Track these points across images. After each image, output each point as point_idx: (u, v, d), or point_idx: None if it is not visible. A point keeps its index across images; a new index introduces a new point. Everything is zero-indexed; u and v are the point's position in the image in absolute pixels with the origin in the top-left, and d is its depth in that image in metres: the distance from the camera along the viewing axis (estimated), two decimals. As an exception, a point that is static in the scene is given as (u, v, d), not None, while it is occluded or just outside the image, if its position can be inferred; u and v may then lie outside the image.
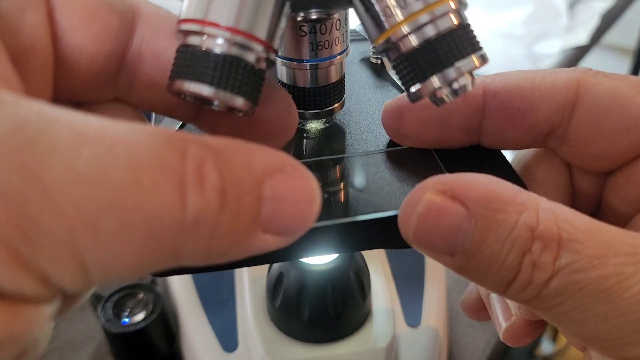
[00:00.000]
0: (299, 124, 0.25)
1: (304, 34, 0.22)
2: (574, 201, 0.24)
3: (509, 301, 0.27)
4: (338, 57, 0.23)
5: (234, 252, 0.14)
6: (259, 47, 0.17)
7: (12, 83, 0.15)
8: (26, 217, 0.11)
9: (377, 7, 0.18)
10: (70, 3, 0.17)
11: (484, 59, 0.18)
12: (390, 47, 0.18)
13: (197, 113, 0.21)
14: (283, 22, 0.18)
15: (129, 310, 0.39)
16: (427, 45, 0.17)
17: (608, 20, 0.84)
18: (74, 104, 0.19)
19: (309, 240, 0.19)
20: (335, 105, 0.25)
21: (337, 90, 0.24)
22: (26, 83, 0.16)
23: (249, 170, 0.14)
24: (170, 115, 0.21)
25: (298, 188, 0.15)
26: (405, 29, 0.17)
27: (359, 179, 0.22)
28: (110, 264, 0.13)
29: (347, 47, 0.24)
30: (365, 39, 0.32)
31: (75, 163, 0.12)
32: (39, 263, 0.12)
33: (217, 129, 0.21)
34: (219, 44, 0.17)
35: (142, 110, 0.21)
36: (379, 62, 0.30)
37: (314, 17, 0.21)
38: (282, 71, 0.24)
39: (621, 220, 0.22)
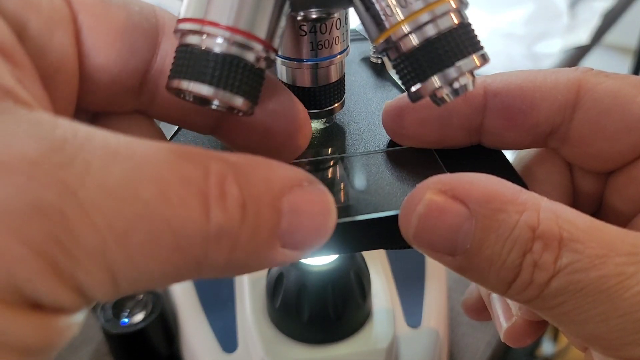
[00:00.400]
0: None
1: (304, 33, 0.22)
2: (575, 201, 0.24)
3: (509, 301, 0.27)
4: (338, 56, 0.23)
5: (253, 264, 0.15)
6: (258, 47, 0.17)
7: (44, 103, 0.15)
8: (64, 231, 0.12)
9: (377, 7, 0.18)
10: (96, 24, 0.18)
11: (484, 59, 0.18)
12: (390, 47, 0.18)
13: (215, 125, 0.21)
14: (283, 22, 0.18)
15: (128, 310, 0.39)
16: (428, 44, 0.17)
17: (609, 20, 0.84)
18: (92, 114, 0.20)
19: None
20: (336, 105, 0.24)
21: (337, 90, 0.24)
22: (52, 100, 0.16)
23: (268, 185, 0.15)
24: (189, 128, 0.22)
25: (315, 202, 0.15)
26: (405, 28, 0.17)
27: (359, 178, 0.22)
28: (138, 275, 0.13)
29: (348, 47, 0.24)
30: (365, 39, 0.32)
31: (107, 179, 0.12)
32: (76, 275, 0.12)
33: (235, 139, 0.21)
34: (218, 44, 0.17)
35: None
36: (380, 61, 0.30)
37: (314, 16, 0.21)
38: (282, 71, 0.24)
39: (622, 220, 0.22)
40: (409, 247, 0.19)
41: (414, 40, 0.17)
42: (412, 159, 0.23)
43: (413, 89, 0.18)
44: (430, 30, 0.17)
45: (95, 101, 0.19)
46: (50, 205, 0.12)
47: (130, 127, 0.20)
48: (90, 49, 0.18)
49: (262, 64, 0.18)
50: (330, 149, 0.24)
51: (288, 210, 0.15)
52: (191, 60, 0.17)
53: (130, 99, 0.19)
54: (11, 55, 0.14)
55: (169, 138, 0.24)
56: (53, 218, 0.12)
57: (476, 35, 0.18)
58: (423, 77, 0.18)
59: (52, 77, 0.16)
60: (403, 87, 0.19)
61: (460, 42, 0.17)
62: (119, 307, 0.39)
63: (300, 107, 0.21)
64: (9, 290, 0.12)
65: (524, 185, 0.20)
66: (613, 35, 0.90)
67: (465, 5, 0.18)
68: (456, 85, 0.18)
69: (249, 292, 0.38)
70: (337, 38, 0.22)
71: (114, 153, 0.13)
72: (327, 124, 0.25)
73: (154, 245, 0.13)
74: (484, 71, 0.19)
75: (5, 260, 0.12)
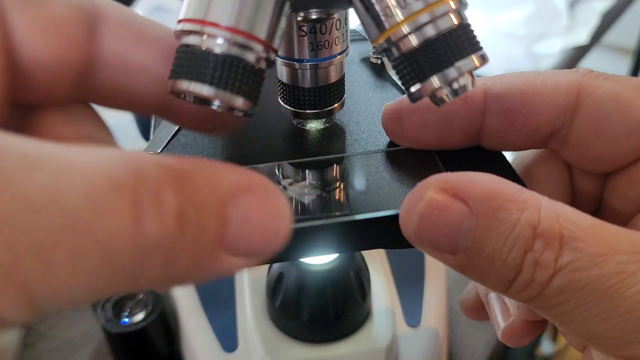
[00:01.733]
0: (298, 123, 0.25)
1: (304, 33, 0.22)
2: (574, 201, 0.24)
3: (507, 301, 0.27)
4: (338, 57, 0.23)
5: (195, 275, 0.14)
6: (258, 47, 0.17)
7: None
8: None
9: (377, 7, 0.18)
10: (25, 18, 0.17)
11: (484, 59, 0.18)
12: (390, 47, 0.18)
13: (165, 109, 0.20)
14: (283, 22, 0.18)
15: (128, 310, 0.39)
16: (427, 45, 0.17)
17: (608, 20, 0.84)
18: (28, 107, 0.19)
19: (308, 240, 0.19)
20: (335, 105, 0.24)
21: (337, 90, 0.24)
22: None
23: (213, 190, 0.14)
24: (133, 110, 0.21)
25: (266, 208, 0.14)
26: (405, 28, 0.17)
27: (358, 178, 0.22)
28: (62, 294, 0.12)
29: (347, 47, 0.24)
30: (365, 39, 0.32)
31: (24, 189, 0.11)
32: None
33: (189, 121, 0.21)
34: (218, 44, 0.17)
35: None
36: (379, 62, 0.30)
37: (314, 17, 0.21)
38: (282, 71, 0.24)
39: (621, 220, 0.22)
40: (409, 246, 0.19)
41: (414, 40, 0.17)
42: (411, 159, 0.23)
43: (413, 89, 0.18)
44: (430, 31, 0.17)
45: (31, 94, 0.18)
46: None
47: (70, 118, 0.19)
48: (21, 42, 0.16)
49: (262, 65, 0.18)
50: (330, 149, 0.24)
51: (236, 216, 0.14)
52: (191, 61, 0.17)
53: (69, 91, 0.18)
54: None
55: (168, 139, 0.24)
56: None
57: (475, 36, 0.18)
58: (423, 78, 0.18)
59: None
60: (403, 88, 0.19)
61: (459, 42, 0.17)
62: (119, 306, 0.39)
63: None
64: None
65: (523, 185, 0.21)
66: (612, 36, 0.91)
67: (465, 5, 0.18)
68: (455, 85, 0.18)
69: (249, 291, 0.38)
70: (337, 38, 0.22)
71: (35, 161, 0.12)
72: (327, 124, 0.25)
73: (79, 260, 0.12)
74: (484, 71, 0.19)
75: None
